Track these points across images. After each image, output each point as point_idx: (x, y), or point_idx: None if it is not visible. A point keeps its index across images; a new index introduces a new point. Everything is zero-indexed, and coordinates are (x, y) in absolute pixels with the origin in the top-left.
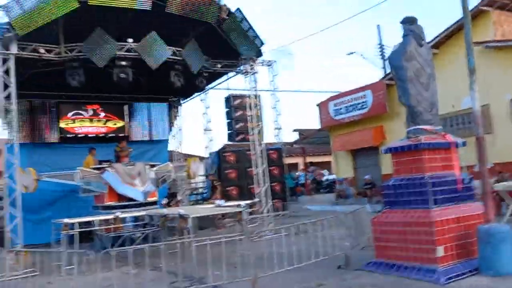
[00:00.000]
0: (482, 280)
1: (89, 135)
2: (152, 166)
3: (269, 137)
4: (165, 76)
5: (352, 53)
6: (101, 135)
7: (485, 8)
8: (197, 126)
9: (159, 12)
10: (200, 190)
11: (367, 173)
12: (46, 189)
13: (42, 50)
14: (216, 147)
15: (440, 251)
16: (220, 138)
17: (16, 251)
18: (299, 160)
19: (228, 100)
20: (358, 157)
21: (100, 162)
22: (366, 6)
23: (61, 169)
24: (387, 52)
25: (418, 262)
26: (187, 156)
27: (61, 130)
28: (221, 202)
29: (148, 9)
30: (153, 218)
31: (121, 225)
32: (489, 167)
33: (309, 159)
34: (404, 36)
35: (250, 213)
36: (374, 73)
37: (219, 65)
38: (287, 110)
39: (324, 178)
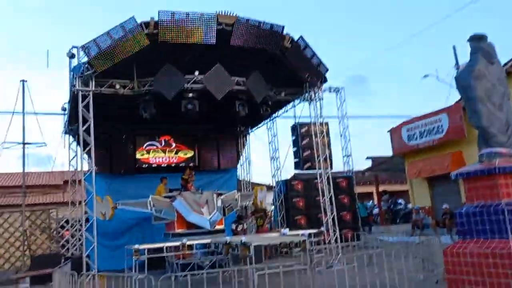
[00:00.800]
0: None
1: (162, 165)
2: (219, 194)
3: (339, 165)
4: (231, 106)
5: (426, 75)
6: (172, 165)
7: None
8: (265, 155)
9: (224, 45)
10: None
11: (446, 202)
12: (122, 217)
13: (117, 86)
14: (284, 175)
15: None
16: (288, 166)
17: (92, 276)
18: (372, 189)
19: (294, 128)
20: (435, 185)
21: (171, 190)
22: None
23: (135, 198)
24: None
25: None
26: (255, 185)
27: (137, 161)
28: (286, 230)
29: (213, 43)
30: (218, 245)
31: (190, 252)
32: None
33: (382, 187)
34: (472, 54)
35: (317, 243)
36: (451, 96)
37: (283, 93)
38: (360, 137)
39: (400, 207)
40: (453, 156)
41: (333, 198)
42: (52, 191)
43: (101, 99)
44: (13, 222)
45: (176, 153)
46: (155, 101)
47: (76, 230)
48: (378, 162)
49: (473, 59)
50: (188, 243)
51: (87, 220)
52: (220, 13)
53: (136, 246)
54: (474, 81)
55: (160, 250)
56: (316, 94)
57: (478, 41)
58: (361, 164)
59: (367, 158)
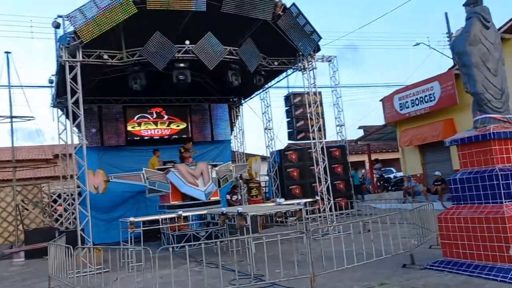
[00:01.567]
0: None
1: (154, 137)
2: (214, 166)
3: (332, 135)
4: (223, 76)
5: (418, 43)
6: (165, 137)
7: None
8: (259, 125)
9: (214, 12)
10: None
11: (437, 169)
12: (115, 190)
13: (105, 56)
14: (278, 146)
15: None
16: (281, 136)
17: (88, 249)
18: (364, 158)
19: (288, 98)
20: (427, 153)
21: (164, 163)
22: None
23: (128, 171)
24: None
25: (489, 261)
26: (249, 156)
27: (128, 133)
28: (281, 200)
29: (203, 10)
30: (214, 216)
31: (185, 223)
32: None
33: (374, 156)
34: (468, 19)
35: (312, 212)
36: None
37: (276, 63)
38: (350, 107)
39: (392, 175)
40: (445, 124)
41: (327, 168)
42: (43, 165)
43: (90, 71)
44: (5, 197)
45: (169, 125)
46: (145, 72)
47: (69, 204)
48: (370, 132)
49: (468, 24)
50: (184, 214)
51: (79, 194)
52: None
53: (132, 219)
54: (469, 46)
55: (155, 222)
56: (309, 64)
57: (473, 5)
58: (353, 133)
59: (359, 127)
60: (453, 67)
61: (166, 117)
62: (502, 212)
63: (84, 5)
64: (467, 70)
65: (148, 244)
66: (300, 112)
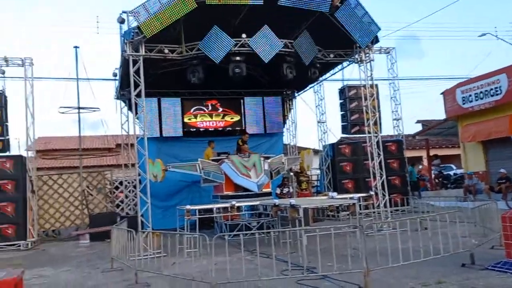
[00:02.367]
0: None
1: (209, 129)
2: (266, 158)
3: (388, 129)
4: (278, 69)
5: (484, 34)
6: (219, 129)
7: None
8: (312, 118)
9: (271, 5)
10: (314, 183)
11: (502, 166)
12: (172, 179)
13: (166, 51)
14: (331, 139)
15: None
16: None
17: (147, 234)
18: (421, 153)
19: (342, 91)
20: (490, 149)
21: (219, 154)
22: None
23: (184, 161)
24: None
25: None
26: (301, 149)
27: (185, 125)
28: (334, 194)
29: (261, 3)
30: (266, 208)
31: (237, 213)
32: None
33: (433, 152)
34: None
35: (365, 207)
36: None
37: (331, 55)
38: (409, 100)
39: (451, 172)
40: (511, 119)
41: (382, 162)
42: (105, 153)
43: (151, 64)
44: (72, 182)
45: (223, 117)
46: (203, 65)
47: (129, 191)
48: (429, 126)
49: None
50: (237, 204)
51: (139, 181)
52: None
53: (188, 207)
54: None
55: (209, 211)
56: (367, 56)
57: None
58: (410, 127)
59: (417, 121)
60: None
61: (220, 109)
62: None
63: (147, 1)
64: None
65: (202, 231)
66: (355, 105)
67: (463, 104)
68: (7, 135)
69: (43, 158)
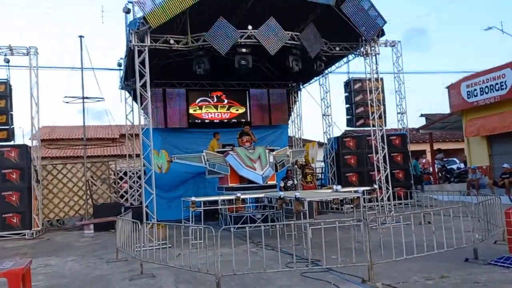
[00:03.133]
0: None
1: (214, 121)
2: (271, 150)
3: (392, 122)
4: (283, 61)
5: (490, 28)
6: (224, 120)
7: None
8: (317, 111)
9: None
10: (319, 176)
11: (506, 161)
12: (177, 170)
13: (172, 41)
14: (335, 132)
15: None
16: (338, 123)
17: (152, 225)
18: (425, 147)
19: (347, 84)
20: (495, 144)
21: (224, 146)
22: None
23: (189, 152)
24: None
25: None
26: (306, 142)
27: (190, 116)
28: (338, 187)
29: None
30: (271, 200)
31: (242, 205)
32: None
33: (437, 146)
34: None
35: (370, 200)
36: None
37: (337, 48)
38: (413, 93)
39: (455, 166)
40: None
41: (386, 156)
42: (110, 144)
43: (156, 55)
44: (76, 172)
45: (228, 109)
46: (209, 56)
47: (134, 181)
48: (433, 120)
49: None
50: (242, 197)
51: (144, 172)
52: None
53: (193, 198)
54: None
55: (214, 202)
56: (372, 49)
57: None
58: (414, 121)
59: (421, 115)
60: None
61: (226, 101)
62: None
63: None
64: None
65: (206, 223)
66: (360, 99)
67: (468, 98)
68: (12, 124)
69: (47, 147)
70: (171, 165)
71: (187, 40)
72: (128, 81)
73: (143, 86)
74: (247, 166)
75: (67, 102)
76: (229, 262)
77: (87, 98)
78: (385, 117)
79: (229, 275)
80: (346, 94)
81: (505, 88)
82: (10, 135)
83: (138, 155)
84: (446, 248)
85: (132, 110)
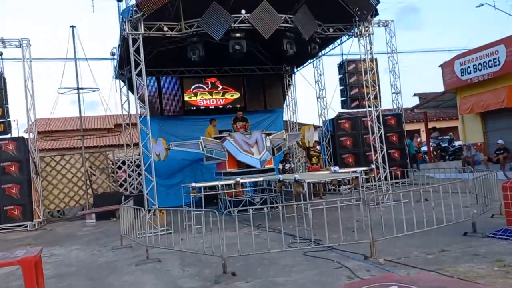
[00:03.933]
0: None
1: (210, 107)
2: (268, 134)
3: (387, 102)
4: (277, 45)
5: (482, 4)
6: (220, 106)
7: None
8: (311, 94)
9: None
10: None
11: (500, 137)
12: (175, 157)
13: (165, 28)
14: (330, 115)
15: None
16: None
17: (154, 211)
18: (420, 126)
19: (342, 66)
20: (489, 120)
21: (221, 132)
22: None
23: (185, 139)
24: None
25: None
26: (302, 125)
27: (185, 103)
28: (336, 168)
29: None
30: (270, 183)
31: (241, 190)
32: None
33: (431, 125)
34: None
35: (367, 180)
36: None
37: (331, 29)
38: (406, 73)
39: (449, 144)
40: (509, 90)
41: (383, 136)
42: (106, 134)
43: (149, 42)
44: (74, 163)
45: (223, 95)
46: (203, 43)
47: (132, 170)
48: (428, 99)
49: None
50: (241, 181)
51: (143, 161)
52: None
53: (194, 184)
54: None
55: (213, 188)
56: (366, 29)
57: None
58: (408, 101)
59: (415, 94)
60: None
61: (220, 87)
62: None
63: None
64: None
65: (206, 208)
66: (355, 80)
67: (462, 76)
68: (8, 117)
69: (44, 139)
70: (169, 152)
71: (181, 27)
72: (122, 70)
73: (139, 74)
74: (245, 150)
75: (62, 93)
76: (233, 245)
77: (82, 88)
78: (380, 97)
79: (234, 256)
80: (340, 75)
81: (498, 65)
82: (7, 128)
83: (135, 144)
84: (446, 223)
85: (128, 99)
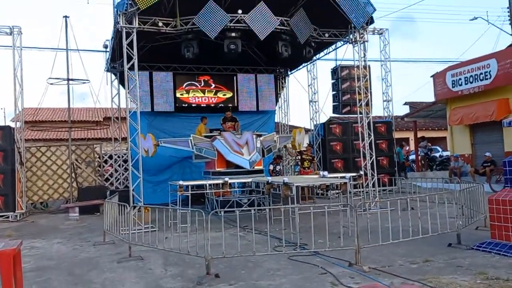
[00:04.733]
0: None
1: (201, 105)
2: (258, 136)
3: (378, 109)
4: (272, 47)
5: (475, 18)
6: (212, 105)
7: None
8: (304, 97)
9: None
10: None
11: (488, 150)
12: (163, 154)
13: (160, 24)
14: (322, 119)
15: None
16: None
17: (139, 208)
18: (408, 135)
19: (335, 71)
20: (477, 133)
21: (211, 130)
22: None
23: (175, 136)
24: None
25: None
26: (293, 127)
27: (177, 100)
28: (325, 173)
29: None
30: (259, 185)
31: (229, 190)
32: None
33: (420, 134)
34: None
35: (355, 186)
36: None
37: (327, 34)
38: (398, 81)
39: (437, 154)
40: (499, 104)
41: (373, 143)
42: (94, 127)
43: (143, 37)
44: (60, 155)
45: (215, 93)
46: (198, 40)
47: (119, 165)
48: (419, 108)
49: None
50: (230, 181)
51: (131, 156)
52: None
53: (181, 182)
54: None
55: (201, 187)
56: (361, 36)
57: None
58: (398, 109)
59: (405, 103)
60: None
61: (213, 85)
62: None
63: None
64: None
65: (192, 207)
66: (347, 86)
67: (453, 87)
68: None
69: (31, 129)
70: (157, 149)
71: (176, 23)
72: (114, 63)
73: (131, 68)
74: (235, 151)
75: (52, 84)
76: (218, 246)
77: (72, 80)
78: (371, 104)
79: (218, 257)
80: (333, 81)
81: (489, 78)
82: None
83: (123, 139)
84: (431, 233)
85: (119, 93)
